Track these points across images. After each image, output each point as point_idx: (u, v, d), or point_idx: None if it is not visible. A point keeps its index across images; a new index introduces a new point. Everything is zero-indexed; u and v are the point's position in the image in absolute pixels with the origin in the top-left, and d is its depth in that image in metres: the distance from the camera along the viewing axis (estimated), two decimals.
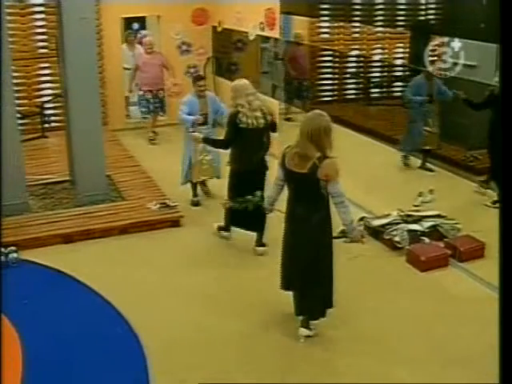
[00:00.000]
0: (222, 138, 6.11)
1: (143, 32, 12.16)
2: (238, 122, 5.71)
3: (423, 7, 12.38)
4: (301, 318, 4.74)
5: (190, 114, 6.92)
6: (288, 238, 4.68)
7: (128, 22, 11.52)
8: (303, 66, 11.12)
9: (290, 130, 6.44)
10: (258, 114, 5.72)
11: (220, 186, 6.84)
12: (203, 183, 7.48)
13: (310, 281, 4.58)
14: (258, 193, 5.82)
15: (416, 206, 6.94)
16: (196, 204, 7.31)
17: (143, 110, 9.84)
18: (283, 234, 4.72)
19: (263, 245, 6.06)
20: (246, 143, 5.75)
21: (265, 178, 5.91)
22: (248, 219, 5.96)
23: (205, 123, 6.97)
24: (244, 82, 5.92)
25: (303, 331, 4.69)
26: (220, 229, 6.43)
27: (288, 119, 10.42)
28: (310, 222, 4.43)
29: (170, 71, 9.83)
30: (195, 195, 7.38)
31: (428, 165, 8.51)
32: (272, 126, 5.91)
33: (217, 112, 7.11)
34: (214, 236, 6.46)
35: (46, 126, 9.62)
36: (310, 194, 4.40)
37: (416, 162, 8.61)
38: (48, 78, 9.63)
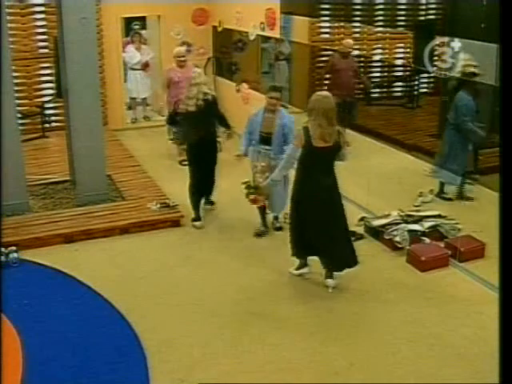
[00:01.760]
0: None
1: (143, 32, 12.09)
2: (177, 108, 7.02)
3: (424, 7, 12.38)
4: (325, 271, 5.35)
5: (250, 134, 6.27)
6: (314, 207, 5.12)
7: (128, 22, 11.50)
8: (347, 83, 9.26)
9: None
10: (198, 97, 6.42)
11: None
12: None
13: (343, 235, 5.27)
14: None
15: (416, 206, 6.95)
16: (259, 234, 6.42)
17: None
18: (299, 208, 5.23)
19: (212, 203, 7.08)
20: (191, 123, 6.57)
21: (216, 147, 6.71)
22: (202, 186, 6.73)
23: (268, 143, 6.13)
24: (196, 73, 6.67)
25: (330, 282, 5.32)
26: (193, 220, 6.72)
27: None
28: (334, 187, 5.15)
29: None
30: (263, 224, 6.48)
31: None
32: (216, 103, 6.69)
33: (283, 128, 6.05)
34: (214, 236, 6.48)
35: (47, 125, 9.64)
36: (332, 163, 5.13)
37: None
38: (48, 78, 9.62)
